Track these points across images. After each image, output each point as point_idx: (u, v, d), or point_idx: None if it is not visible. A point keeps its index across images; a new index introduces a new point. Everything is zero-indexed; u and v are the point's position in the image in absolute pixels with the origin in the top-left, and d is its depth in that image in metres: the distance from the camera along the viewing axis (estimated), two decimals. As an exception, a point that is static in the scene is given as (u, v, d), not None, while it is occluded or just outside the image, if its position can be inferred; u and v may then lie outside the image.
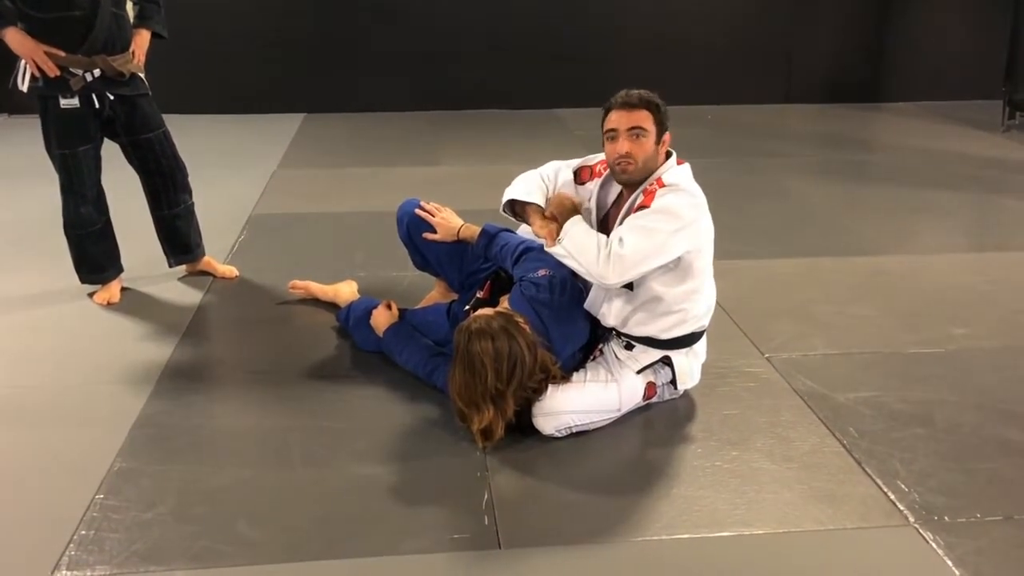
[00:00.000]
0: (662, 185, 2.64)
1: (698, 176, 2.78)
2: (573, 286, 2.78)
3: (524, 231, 3.04)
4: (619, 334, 2.78)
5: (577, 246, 2.64)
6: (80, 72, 3.38)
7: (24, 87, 3.42)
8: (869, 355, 3.23)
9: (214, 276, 3.93)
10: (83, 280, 3.71)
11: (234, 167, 5.80)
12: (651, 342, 2.74)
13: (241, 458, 2.60)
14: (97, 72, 3.40)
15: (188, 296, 3.75)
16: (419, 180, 5.52)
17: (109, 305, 3.65)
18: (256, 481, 2.48)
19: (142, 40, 3.56)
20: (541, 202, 2.84)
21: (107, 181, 3.66)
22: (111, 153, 3.66)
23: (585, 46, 7.57)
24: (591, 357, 2.84)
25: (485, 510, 2.34)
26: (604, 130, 2.72)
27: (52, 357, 3.23)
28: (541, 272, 2.76)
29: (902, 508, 2.36)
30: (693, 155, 3.01)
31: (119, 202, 3.81)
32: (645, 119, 2.66)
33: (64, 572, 2.12)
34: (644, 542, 2.24)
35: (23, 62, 3.38)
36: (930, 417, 2.81)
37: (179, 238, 3.84)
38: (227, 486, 2.45)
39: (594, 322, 2.83)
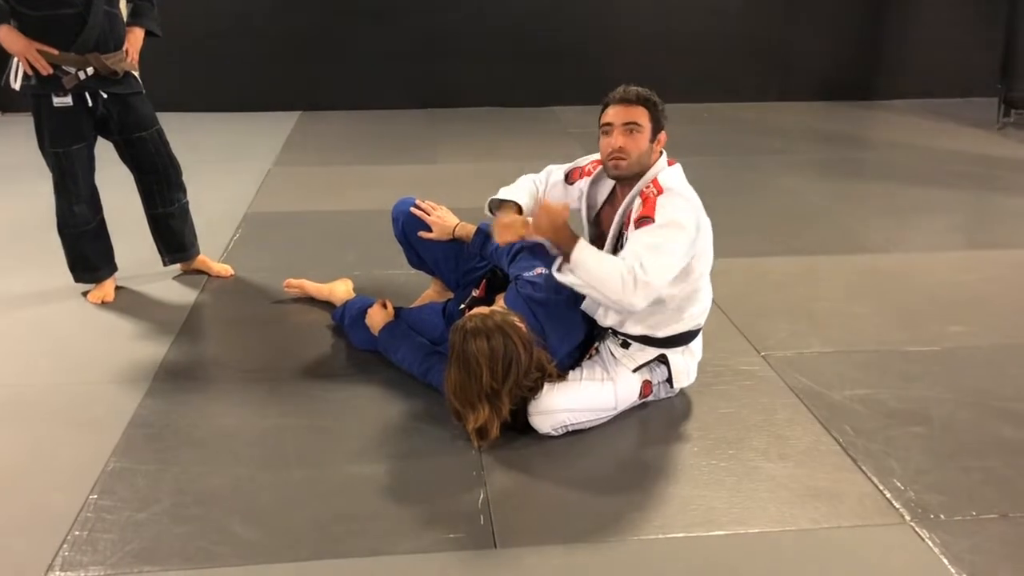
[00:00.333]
0: (660, 189, 2.63)
1: (693, 174, 2.79)
2: (569, 285, 2.77)
3: None
4: (615, 332, 2.78)
5: (595, 278, 2.55)
6: (73, 70, 3.37)
7: (17, 85, 3.41)
8: (865, 353, 3.23)
9: (209, 275, 3.92)
10: (77, 279, 3.70)
11: (229, 165, 5.80)
12: (647, 340, 2.73)
13: (236, 458, 2.59)
14: (90, 70, 3.39)
15: (183, 295, 3.74)
16: (415, 178, 5.51)
17: (103, 304, 3.64)
18: (251, 481, 2.47)
19: (135, 38, 3.55)
20: (527, 203, 2.91)
21: (101, 180, 3.65)
22: (105, 152, 3.65)
23: (582, 44, 7.58)
24: (587, 355, 2.84)
25: (480, 509, 2.34)
26: (600, 124, 2.72)
27: (46, 356, 3.22)
28: (537, 270, 2.77)
29: (898, 506, 2.36)
30: (689, 153, 3.01)
31: (113, 201, 3.79)
32: (641, 115, 2.66)
33: (58, 573, 2.11)
34: (640, 541, 2.24)
35: (16, 60, 3.37)
36: (926, 415, 2.81)
37: (174, 237, 3.83)
38: (222, 486, 2.44)
39: (590, 320, 2.82)
